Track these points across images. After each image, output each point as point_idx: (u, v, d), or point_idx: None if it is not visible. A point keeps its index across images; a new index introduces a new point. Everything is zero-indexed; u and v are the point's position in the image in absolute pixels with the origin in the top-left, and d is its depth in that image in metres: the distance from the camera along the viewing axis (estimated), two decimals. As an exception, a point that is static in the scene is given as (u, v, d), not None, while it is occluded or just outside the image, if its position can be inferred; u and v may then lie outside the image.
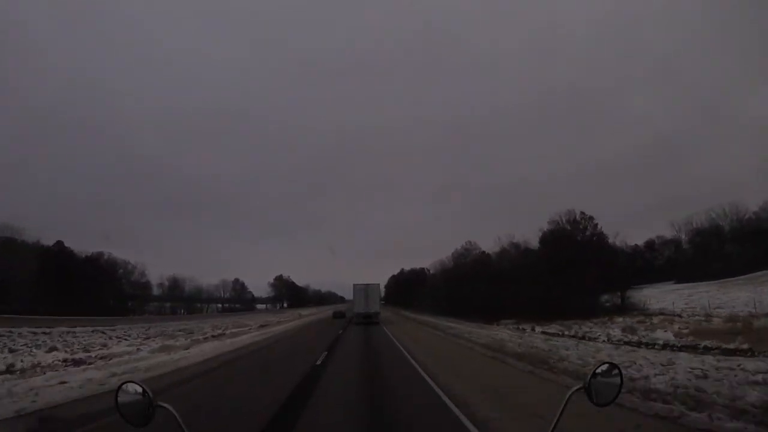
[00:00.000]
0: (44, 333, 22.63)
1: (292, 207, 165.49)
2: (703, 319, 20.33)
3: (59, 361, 15.19)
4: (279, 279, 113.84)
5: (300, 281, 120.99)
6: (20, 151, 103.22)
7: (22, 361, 14.65)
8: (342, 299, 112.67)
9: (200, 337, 21.55)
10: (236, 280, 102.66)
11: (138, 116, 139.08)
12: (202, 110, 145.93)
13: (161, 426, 1.91)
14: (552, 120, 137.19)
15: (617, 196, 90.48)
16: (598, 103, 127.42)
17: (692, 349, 13.68)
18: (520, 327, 25.88)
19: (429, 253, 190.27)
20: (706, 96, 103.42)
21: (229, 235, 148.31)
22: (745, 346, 13.04)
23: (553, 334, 19.89)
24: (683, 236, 58.61)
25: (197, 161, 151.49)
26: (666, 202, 77.81)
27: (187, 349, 15.62)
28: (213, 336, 22.26)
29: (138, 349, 17.89)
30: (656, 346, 14.85)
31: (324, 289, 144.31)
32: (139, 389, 1.83)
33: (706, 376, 8.11)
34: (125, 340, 21.20)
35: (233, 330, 26.44)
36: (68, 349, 17.52)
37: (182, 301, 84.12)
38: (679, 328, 18.16)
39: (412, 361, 11.16)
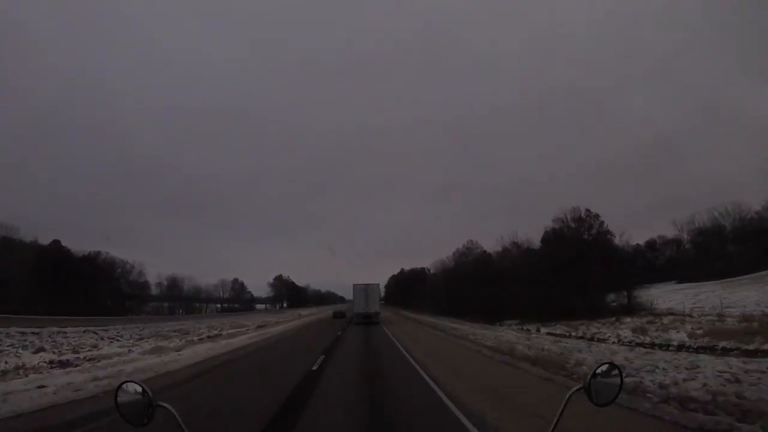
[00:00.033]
0: (33, 333, 21.89)
1: (292, 207, 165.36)
2: (715, 319, 19.64)
3: (45, 362, 14.53)
4: (279, 279, 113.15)
5: (300, 281, 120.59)
6: (20, 151, 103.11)
7: (6, 362, 14.00)
8: (342, 299, 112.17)
9: (195, 338, 20.83)
10: (235, 280, 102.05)
11: (138, 116, 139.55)
12: (202, 110, 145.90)
13: (161, 426, 1.90)
14: (552, 120, 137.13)
15: (617, 196, 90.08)
16: (598, 103, 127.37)
17: (710, 350, 13.03)
18: (524, 328, 25.21)
19: (429, 253, 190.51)
20: (706, 96, 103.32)
21: (229, 235, 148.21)
22: (766, 347, 12.39)
23: (560, 336, 19.22)
24: (685, 236, 58.04)
25: (197, 161, 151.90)
26: (666, 202, 77.41)
27: (179, 351, 14.91)
28: (208, 337, 21.54)
29: (129, 350, 17.20)
30: (671, 348, 14.20)
31: (324, 289, 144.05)
32: (139, 389, 1.83)
33: (738, 381, 7.44)
34: (117, 341, 20.48)
35: (230, 331, 25.72)
36: (56, 350, 16.83)
37: (181, 301, 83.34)
38: (691, 328, 17.47)
39: (419, 368, 9.93)
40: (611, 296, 28.88)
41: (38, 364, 14.12)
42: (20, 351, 16.31)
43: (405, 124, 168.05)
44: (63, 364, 14.18)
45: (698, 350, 13.35)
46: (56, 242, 59.84)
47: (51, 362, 14.84)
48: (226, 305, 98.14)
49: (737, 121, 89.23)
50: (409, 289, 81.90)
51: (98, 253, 64.30)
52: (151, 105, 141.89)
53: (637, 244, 57.96)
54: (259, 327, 30.34)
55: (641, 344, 15.05)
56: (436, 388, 7.50)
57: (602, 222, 31.70)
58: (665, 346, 14.42)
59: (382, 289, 75.39)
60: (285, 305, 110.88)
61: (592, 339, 17.33)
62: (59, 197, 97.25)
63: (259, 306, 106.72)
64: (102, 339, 21.14)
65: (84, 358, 15.57)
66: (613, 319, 22.99)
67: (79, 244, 64.98)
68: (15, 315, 31.11)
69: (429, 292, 66.98)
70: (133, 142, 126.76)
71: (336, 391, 7.67)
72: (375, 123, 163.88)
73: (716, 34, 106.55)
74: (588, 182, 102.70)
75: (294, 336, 23.60)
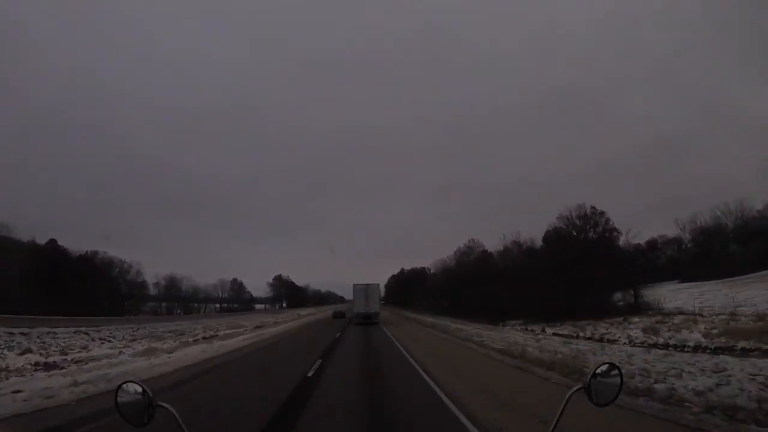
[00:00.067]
0: (22, 334, 21.16)
1: (292, 207, 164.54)
2: (728, 318, 18.97)
3: (30, 364, 13.93)
4: (278, 279, 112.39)
5: (300, 281, 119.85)
6: (20, 151, 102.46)
7: (-11, 364, 13.35)
8: (342, 299, 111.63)
9: (190, 340, 20.16)
10: (234, 280, 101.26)
11: (138, 116, 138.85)
12: (202, 110, 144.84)
13: (161, 426, 1.89)
14: (552, 120, 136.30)
15: (617, 196, 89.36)
16: (598, 103, 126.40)
17: (729, 351, 12.36)
18: (529, 328, 24.55)
19: (429, 253, 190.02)
20: (706, 96, 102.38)
21: (229, 235, 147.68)
22: (790, 348, 11.73)
23: (568, 336, 18.56)
24: (687, 235, 57.55)
25: (197, 161, 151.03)
26: (666, 201, 76.78)
27: (170, 353, 14.23)
28: (204, 338, 20.85)
29: (120, 352, 16.54)
30: (686, 349, 13.53)
31: (324, 289, 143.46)
32: (139, 389, 1.83)
33: (775, 386, 6.76)
34: (109, 342, 19.79)
35: (226, 331, 25.03)
36: (43, 352, 16.16)
37: (179, 301, 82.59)
38: (705, 328, 16.81)
39: (427, 378, 8.68)
40: (617, 295, 28.17)
41: (22, 366, 13.50)
42: (5, 352, 15.63)
43: (405, 124, 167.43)
44: (48, 367, 13.55)
45: (716, 351, 12.68)
46: (52, 241, 59.13)
47: (36, 364, 14.20)
48: (225, 305, 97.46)
49: (737, 121, 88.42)
50: (409, 289, 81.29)
51: (95, 253, 63.62)
52: (151, 105, 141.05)
53: (638, 243, 57.69)
54: (257, 328, 29.66)
55: (654, 345, 14.38)
56: (452, 406, 6.18)
57: (608, 219, 31.00)
58: (680, 347, 13.76)
59: (382, 289, 75.12)
60: (284, 305, 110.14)
61: (601, 340, 16.66)
62: (59, 197, 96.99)
63: (258, 306, 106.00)
64: (93, 340, 20.44)
65: (71, 360, 14.92)
66: (621, 319, 22.32)
67: (78, 244, 64.92)
68: (11, 315, 30.41)
69: (429, 292, 66.39)
70: (133, 142, 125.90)
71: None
72: (375, 123, 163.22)
73: (716, 34, 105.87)
74: (588, 182, 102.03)
75: (293, 336, 23.07)
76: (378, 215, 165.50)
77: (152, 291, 76.27)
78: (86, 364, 13.39)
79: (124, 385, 1.85)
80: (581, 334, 18.68)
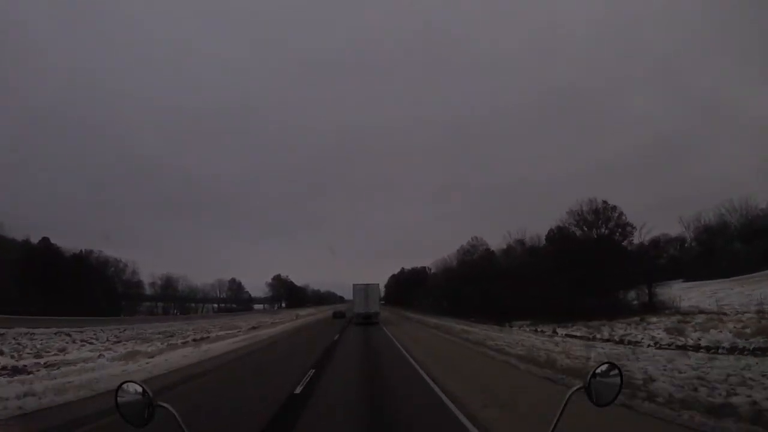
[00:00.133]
0: (-2, 335, 19.90)
1: (292, 207, 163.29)
2: (756, 316, 17.66)
3: (-3, 367, 12.67)
4: (277, 278, 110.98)
5: (299, 281, 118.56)
6: (20, 150, 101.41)
7: (-50, 369, 12.09)
8: (341, 299, 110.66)
9: (179, 342, 18.85)
10: (232, 280, 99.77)
11: (138, 116, 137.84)
12: (202, 110, 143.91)
13: (161, 426, 1.87)
14: (552, 120, 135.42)
15: (617, 196, 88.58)
16: (598, 103, 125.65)
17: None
18: (539, 329, 23.24)
19: (429, 253, 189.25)
20: (706, 96, 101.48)
21: (229, 235, 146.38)
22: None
23: (584, 338, 17.24)
24: (690, 233, 56.64)
25: (197, 161, 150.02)
26: (666, 201, 75.28)
27: (151, 357, 12.92)
28: (194, 340, 19.52)
29: (100, 355, 15.28)
30: (721, 350, 12.24)
31: (323, 289, 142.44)
32: (139, 389, 1.82)
33: None
34: (90, 344, 18.47)
35: (219, 333, 23.70)
36: (16, 354, 14.93)
37: (175, 301, 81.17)
38: (734, 327, 15.53)
39: (450, 405, 6.36)
40: (631, 294, 26.84)
41: (-11, 369, 12.26)
42: (-26, 355, 14.34)
43: (405, 124, 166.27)
44: (15, 371, 12.29)
45: (755, 352, 11.41)
46: (45, 240, 57.84)
47: (3, 368, 12.97)
48: (223, 305, 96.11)
49: (737, 121, 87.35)
50: (409, 289, 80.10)
51: (90, 252, 62.37)
52: (151, 105, 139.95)
53: (642, 242, 56.74)
54: (252, 329, 28.35)
55: (684, 347, 13.08)
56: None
57: (621, 214, 29.61)
58: (714, 349, 12.46)
59: (382, 289, 74.33)
60: (283, 305, 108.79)
61: (622, 341, 15.35)
62: (59, 197, 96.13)
63: (257, 306, 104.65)
64: (74, 342, 19.09)
65: (44, 363, 13.64)
66: (638, 318, 21.01)
67: (78, 244, 63.98)
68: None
69: (430, 292, 65.13)
70: (133, 142, 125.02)
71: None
72: (375, 123, 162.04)
73: (716, 34, 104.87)
74: (588, 182, 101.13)
75: (290, 337, 22.01)
76: (378, 215, 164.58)
77: (148, 291, 75.09)
78: (58, 368, 12.10)
79: (124, 385, 1.83)
80: (598, 336, 17.37)
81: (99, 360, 13.65)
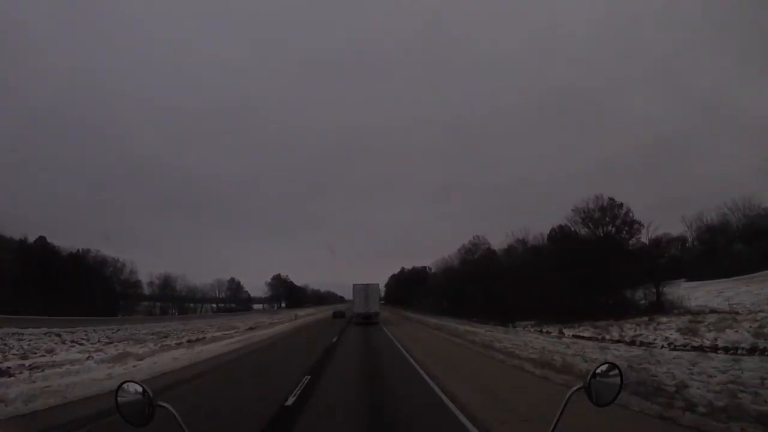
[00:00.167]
0: (-15, 336, 19.24)
1: (292, 207, 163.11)
2: (771, 317, 17.01)
3: (-25, 372, 12.03)
4: (276, 278, 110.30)
5: (299, 281, 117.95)
6: (20, 150, 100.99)
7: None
8: (341, 299, 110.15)
9: (173, 343, 18.22)
10: (232, 280, 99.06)
11: (138, 116, 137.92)
12: (202, 110, 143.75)
13: (161, 426, 1.86)
14: (552, 120, 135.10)
15: (617, 196, 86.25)
16: (598, 103, 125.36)
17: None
18: (544, 330, 22.59)
19: (429, 253, 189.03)
20: (706, 96, 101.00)
21: (229, 234, 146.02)
22: None
23: (593, 339, 16.60)
24: (692, 233, 56.19)
25: (197, 161, 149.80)
26: (666, 201, 74.65)
27: (141, 359, 12.29)
28: (188, 341, 18.89)
29: (89, 356, 14.66)
30: (740, 351, 11.61)
31: (323, 289, 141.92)
32: (139, 389, 1.81)
33: None
34: (80, 344, 17.83)
35: (215, 334, 23.07)
36: (0, 356, 14.25)
37: (174, 300, 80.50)
38: (751, 326, 14.89)
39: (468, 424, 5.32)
40: (639, 294, 26.21)
41: (-35, 374, 11.62)
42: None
43: (405, 124, 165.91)
44: (-2, 373, 11.69)
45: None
46: (41, 239, 57.23)
47: (-16, 371, 12.35)
48: (222, 305, 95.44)
49: (737, 121, 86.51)
50: (409, 289, 79.49)
51: (87, 251, 61.77)
52: (151, 105, 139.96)
53: (644, 242, 56.32)
54: (250, 329, 27.72)
55: (701, 348, 12.44)
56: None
57: (628, 211, 28.95)
58: (733, 350, 11.83)
59: (382, 289, 73.86)
60: (283, 305, 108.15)
61: (633, 342, 14.71)
62: (59, 197, 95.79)
63: (256, 306, 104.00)
64: (64, 342, 18.45)
65: (29, 365, 13.00)
66: (646, 318, 20.37)
67: (78, 243, 63.55)
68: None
69: (430, 292, 64.53)
70: (133, 142, 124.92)
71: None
72: (375, 123, 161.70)
73: (716, 34, 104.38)
74: (588, 182, 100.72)
75: (288, 338, 21.45)
76: (378, 215, 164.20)
77: (147, 291, 74.48)
78: (43, 370, 11.50)
79: (125, 385, 1.82)
80: (608, 337, 16.72)
81: (87, 362, 13.04)
